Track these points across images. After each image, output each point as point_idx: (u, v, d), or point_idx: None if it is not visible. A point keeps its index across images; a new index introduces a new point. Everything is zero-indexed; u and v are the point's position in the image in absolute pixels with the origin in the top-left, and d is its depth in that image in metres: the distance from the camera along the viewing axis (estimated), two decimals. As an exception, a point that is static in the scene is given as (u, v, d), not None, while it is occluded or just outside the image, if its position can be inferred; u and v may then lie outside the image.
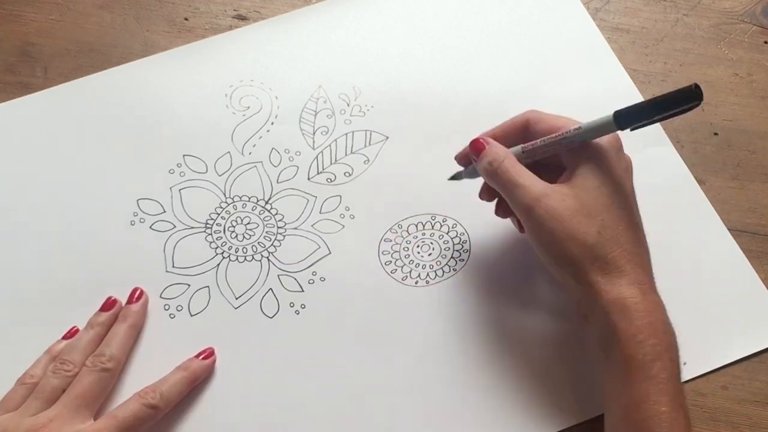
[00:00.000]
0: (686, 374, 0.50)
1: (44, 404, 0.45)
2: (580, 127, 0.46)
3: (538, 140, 0.48)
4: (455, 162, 0.52)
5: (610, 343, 0.44)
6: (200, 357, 0.49)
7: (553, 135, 0.47)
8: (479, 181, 0.51)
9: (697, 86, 0.41)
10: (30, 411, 0.45)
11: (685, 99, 0.41)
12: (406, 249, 0.54)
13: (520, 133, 0.49)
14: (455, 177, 0.53)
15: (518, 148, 0.49)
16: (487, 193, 0.51)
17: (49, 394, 0.46)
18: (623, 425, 0.42)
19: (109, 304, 0.51)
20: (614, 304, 0.44)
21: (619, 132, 0.46)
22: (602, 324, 0.44)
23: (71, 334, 0.50)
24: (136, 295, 0.51)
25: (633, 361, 0.42)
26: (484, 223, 0.54)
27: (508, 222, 0.53)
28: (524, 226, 0.48)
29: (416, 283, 0.53)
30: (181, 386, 0.48)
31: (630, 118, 0.44)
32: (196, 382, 0.49)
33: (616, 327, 0.43)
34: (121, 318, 0.50)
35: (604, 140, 0.47)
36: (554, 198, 0.46)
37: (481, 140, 0.49)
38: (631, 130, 0.45)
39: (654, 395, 0.41)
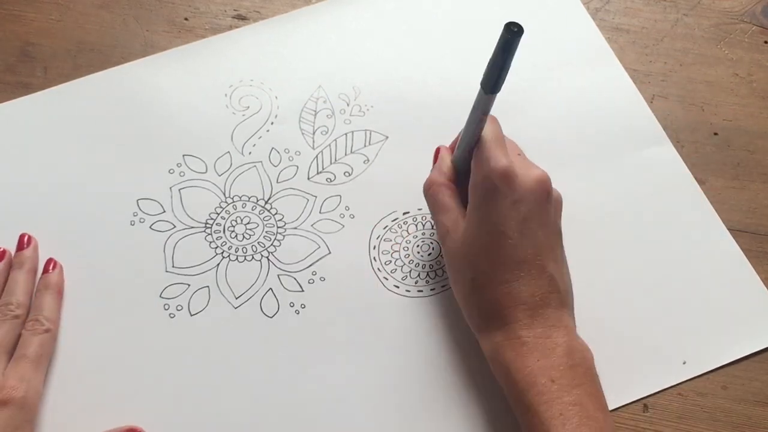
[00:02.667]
0: (686, 374, 0.50)
1: None
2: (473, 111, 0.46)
3: (458, 143, 0.48)
4: None
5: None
6: (49, 269, 0.51)
7: (461, 131, 0.47)
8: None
9: (511, 23, 0.41)
10: None
11: (510, 33, 0.42)
12: (405, 249, 0.54)
13: None
14: None
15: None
16: None
17: None
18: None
19: None
20: (488, 353, 0.45)
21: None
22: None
23: None
24: (26, 240, 0.52)
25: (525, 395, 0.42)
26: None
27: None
28: None
29: (416, 282, 0.53)
30: (55, 302, 0.50)
31: (488, 77, 0.43)
32: (62, 291, 0.51)
33: (498, 373, 0.45)
34: (17, 264, 0.51)
35: (489, 173, 0.45)
36: (452, 237, 0.47)
37: (439, 148, 0.52)
38: (492, 91, 0.44)
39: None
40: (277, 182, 0.56)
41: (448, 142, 0.53)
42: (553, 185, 0.47)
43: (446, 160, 0.51)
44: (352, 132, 0.58)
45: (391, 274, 0.53)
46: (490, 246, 0.45)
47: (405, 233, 0.54)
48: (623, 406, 0.49)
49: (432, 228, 0.54)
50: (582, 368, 0.43)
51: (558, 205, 0.48)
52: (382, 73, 0.61)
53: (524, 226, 0.45)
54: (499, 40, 0.41)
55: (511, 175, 0.45)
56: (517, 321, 0.44)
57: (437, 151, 0.52)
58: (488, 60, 0.42)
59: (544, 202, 0.46)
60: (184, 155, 0.57)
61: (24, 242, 0.52)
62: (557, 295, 0.45)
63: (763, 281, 0.53)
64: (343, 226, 0.55)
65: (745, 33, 0.64)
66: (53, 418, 0.48)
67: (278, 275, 0.53)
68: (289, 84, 0.60)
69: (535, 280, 0.44)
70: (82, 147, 0.57)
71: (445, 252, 0.48)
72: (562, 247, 0.47)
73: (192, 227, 0.54)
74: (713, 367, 0.50)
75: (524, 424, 0.42)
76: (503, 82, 0.43)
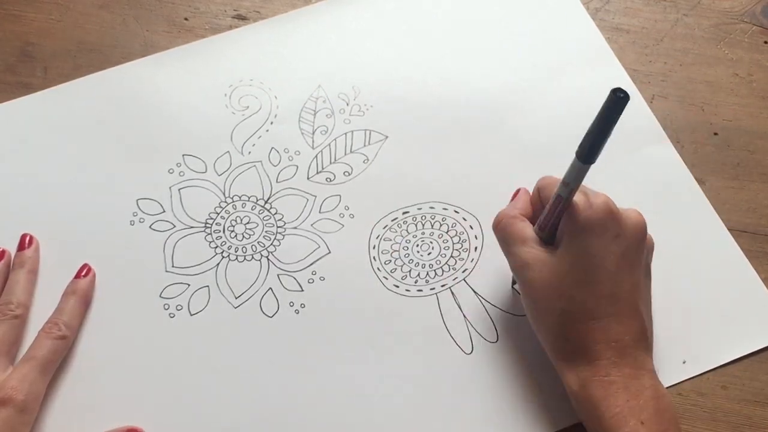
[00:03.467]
0: (686, 374, 0.50)
1: None
2: (566, 183, 0.44)
3: (544, 211, 0.46)
4: (457, 166, 0.51)
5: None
6: (81, 275, 0.51)
7: (550, 201, 0.45)
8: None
9: (616, 89, 0.39)
10: None
11: (619, 102, 0.39)
12: (405, 248, 0.54)
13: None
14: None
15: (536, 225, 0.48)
16: None
17: None
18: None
19: None
20: (573, 386, 0.44)
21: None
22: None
23: None
24: (27, 240, 0.52)
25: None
26: (483, 222, 0.54)
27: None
28: None
29: (416, 282, 0.53)
30: (78, 309, 0.50)
31: (589, 147, 0.41)
32: (88, 300, 0.51)
33: (583, 408, 0.44)
34: (18, 264, 0.51)
35: (587, 213, 0.44)
36: (534, 269, 0.45)
37: (519, 189, 0.51)
38: (588, 161, 0.42)
39: None
40: (277, 182, 0.56)
41: (447, 142, 0.53)
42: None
43: (524, 199, 0.50)
44: (352, 132, 0.58)
45: (391, 274, 0.53)
46: (587, 278, 0.44)
47: (405, 233, 0.54)
48: (623, 405, 0.49)
49: (432, 227, 0.54)
50: (669, 414, 0.43)
51: (651, 248, 0.48)
52: (382, 73, 0.61)
53: (622, 262, 0.44)
54: (603, 105, 0.39)
55: (615, 209, 0.45)
56: (606, 358, 0.43)
57: (517, 191, 0.51)
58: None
59: (642, 241, 0.46)
60: (183, 155, 0.57)
61: (25, 242, 0.52)
62: (645, 339, 0.45)
63: (763, 281, 0.53)
64: (343, 225, 0.55)
65: (745, 33, 0.64)
66: (53, 418, 0.48)
67: (278, 275, 0.53)
68: (289, 84, 0.60)
69: (628, 320, 0.44)
70: (82, 147, 0.57)
71: (525, 283, 0.46)
72: (650, 291, 0.47)
73: (192, 227, 0.54)
74: (713, 367, 0.50)
75: None
76: (600, 152, 0.41)
